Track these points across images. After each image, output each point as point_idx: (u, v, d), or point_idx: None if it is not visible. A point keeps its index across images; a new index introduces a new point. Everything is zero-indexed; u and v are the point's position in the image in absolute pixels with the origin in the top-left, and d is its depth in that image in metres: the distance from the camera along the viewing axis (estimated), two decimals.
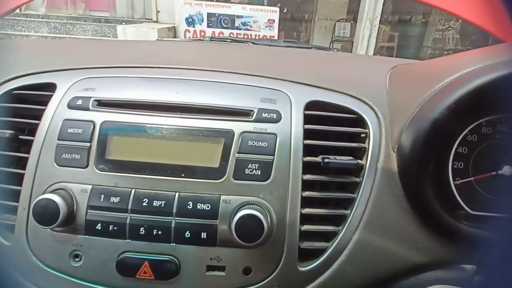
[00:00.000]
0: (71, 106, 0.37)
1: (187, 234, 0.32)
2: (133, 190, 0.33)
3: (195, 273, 0.33)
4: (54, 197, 0.32)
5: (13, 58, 0.47)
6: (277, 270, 0.33)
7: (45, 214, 0.32)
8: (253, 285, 0.33)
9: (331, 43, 4.65)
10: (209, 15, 4.03)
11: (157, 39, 2.65)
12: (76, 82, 0.39)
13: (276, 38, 3.89)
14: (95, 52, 0.52)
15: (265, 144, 0.35)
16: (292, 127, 0.36)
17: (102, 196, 0.33)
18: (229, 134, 0.35)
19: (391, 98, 0.39)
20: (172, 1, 4.17)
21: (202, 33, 3.99)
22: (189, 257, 0.33)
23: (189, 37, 3.85)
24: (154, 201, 0.33)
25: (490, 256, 0.18)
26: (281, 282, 0.33)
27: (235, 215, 0.31)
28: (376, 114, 0.38)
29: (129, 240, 0.33)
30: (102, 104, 0.37)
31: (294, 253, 0.33)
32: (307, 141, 0.36)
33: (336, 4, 5.03)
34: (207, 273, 0.33)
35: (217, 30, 3.98)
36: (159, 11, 4.61)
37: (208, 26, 4.03)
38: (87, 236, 0.33)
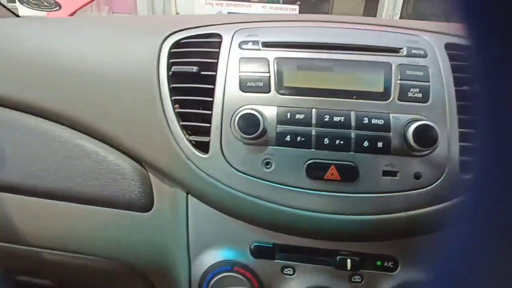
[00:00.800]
0: (243, 48, 0.44)
1: (365, 144, 0.38)
2: (314, 109, 0.40)
3: (372, 177, 0.39)
4: (254, 112, 0.38)
5: (166, 21, 0.54)
6: (442, 176, 0.39)
7: (249, 124, 0.38)
8: (423, 188, 0.39)
9: None
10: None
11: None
12: (238, 31, 0.46)
13: None
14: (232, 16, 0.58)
15: (420, 73, 0.41)
16: (439, 62, 0.42)
17: (288, 114, 0.40)
18: (388, 65, 0.41)
19: None
20: (192, 2, 4.29)
21: None
22: (367, 163, 0.39)
23: None
24: (334, 117, 0.39)
25: None
26: (446, 186, 0.39)
27: (409, 126, 0.38)
28: None
29: (314, 150, 0.39)
30: (269, 46, 0.44)
31: (455, 164, 0.39)
32: (456, 74, 0.42)
33: (352, 2, 5.07)
34: (383, 177, 0.39)
35: None
36: (178, 13, 4.74)
37: None
38: (277, 147, 0.39)
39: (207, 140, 0.41)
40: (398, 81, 0.40)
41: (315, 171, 0.39)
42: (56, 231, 0.47)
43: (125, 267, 0.48)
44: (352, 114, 0.39)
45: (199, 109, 0.43)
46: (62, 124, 0.48)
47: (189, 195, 0.44)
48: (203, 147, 0.41)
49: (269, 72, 0.41)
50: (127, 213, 0.46)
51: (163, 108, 0.43)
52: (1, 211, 0.47)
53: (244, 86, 0.41)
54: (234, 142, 0.40)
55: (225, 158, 0.40)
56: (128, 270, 0.48)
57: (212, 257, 0.42)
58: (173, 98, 0.43)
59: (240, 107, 0.41)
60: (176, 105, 0.43)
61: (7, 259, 0.53)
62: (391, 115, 0.39)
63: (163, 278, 0.48)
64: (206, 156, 0.41)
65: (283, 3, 4.87)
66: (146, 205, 0.45)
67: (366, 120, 0.39)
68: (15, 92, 0.48)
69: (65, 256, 0.49)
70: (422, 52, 0.42)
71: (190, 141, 0.42)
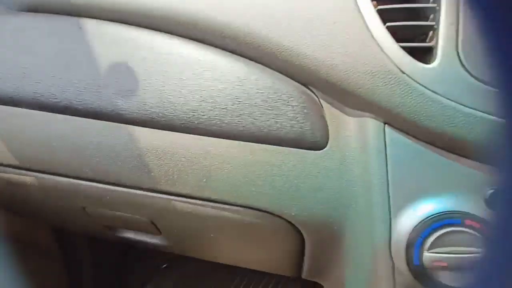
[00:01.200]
0: None
1: None
2: None
3: None
4: None
5: None
6: None
7: None
8: None
9: None
10: None
11: None
12: None
13: None
14: None
15: None
16: None
17: None
18: None
19: None
20: None
21: None
22: None
23: None
24: None
25: None
26: None
27: None
28: None
29: None
30: None
31: None
32: None
33: None
34: None
35: None
36: None
37: None
38: None
39: (431, 44, 0.29)
40: None
41: None
42: (199, 174, 0.38)
43: (277, 221, 0.39)
44: None
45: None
46: (200, 41, 0.38)
47: (386, 126, 0.32)
48: (421, 55, 0.30)
49: None
50: (294, 151, 0.35)
51: (357, 5, 0.31)
52: (133, 149, 0.39)
53: None
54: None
55: (463, 67, 0.29)
56: (281, 224, 0.39)
57: (426, 207, 0.32)
58: None
59: None
60: (374, 2, 0.32)
61: (128, 209, 0.46)
62: None
63: (326, 234, 0.38)
64: (431, 66, 0.29)
65: None
66: (319, 141, 0.35)
67: None
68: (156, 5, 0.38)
69: (203, 206, 0.40)
70: None
71: (403, 47, 0.30)
